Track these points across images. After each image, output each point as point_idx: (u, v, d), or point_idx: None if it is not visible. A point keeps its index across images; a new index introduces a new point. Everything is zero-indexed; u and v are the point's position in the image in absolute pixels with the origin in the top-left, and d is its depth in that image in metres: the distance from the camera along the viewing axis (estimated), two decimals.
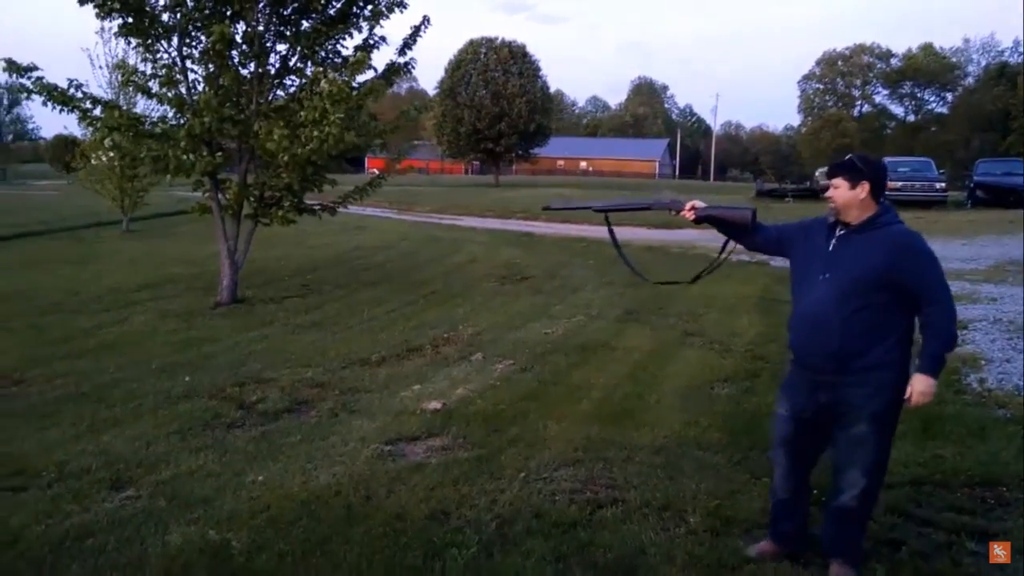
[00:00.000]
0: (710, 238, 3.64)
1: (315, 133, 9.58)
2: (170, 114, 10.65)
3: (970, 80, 64.96)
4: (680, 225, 3.46)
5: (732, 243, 3.58)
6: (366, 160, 52.97)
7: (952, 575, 3.25)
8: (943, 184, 25.77)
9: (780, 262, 14.09)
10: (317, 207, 11.34)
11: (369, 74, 10.70)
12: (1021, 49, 60.58)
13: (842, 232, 3.21)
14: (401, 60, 11.10)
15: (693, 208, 3.53)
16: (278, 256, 14.94)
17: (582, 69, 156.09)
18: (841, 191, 3.17)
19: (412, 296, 11.19)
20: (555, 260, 14.10)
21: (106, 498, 4.18)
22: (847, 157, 3.29)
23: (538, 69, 50.15)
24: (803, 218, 3.55)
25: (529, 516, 3.81)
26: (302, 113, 9.74)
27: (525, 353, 7.46)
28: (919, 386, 3.08)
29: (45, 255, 17.28)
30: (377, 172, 12.50)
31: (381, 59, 11.04)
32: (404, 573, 3.28)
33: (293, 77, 10.90)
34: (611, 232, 4.00)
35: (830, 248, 3.21)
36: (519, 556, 3.39)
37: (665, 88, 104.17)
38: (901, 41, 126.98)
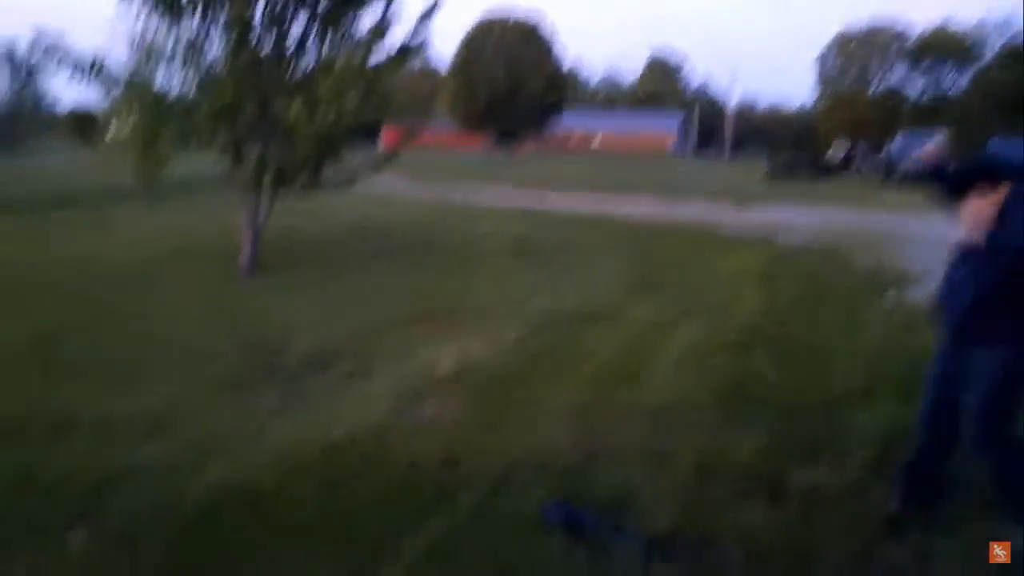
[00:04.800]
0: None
1: (332, 110, 9.89)
2: (192, 89, 10.98)
3: (987, 58, 63.99)
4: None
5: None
6: (381, 131, 53.08)
7: None
8: None
9: (784, 238, 14.15)
10: (335, 180, 11.68)
11: (384, 52, 10.99)
12: None
13: None
14: (416, 40, 11.36)
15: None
16: (297, 226, 15.27)
17: (597, 43, 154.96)
18: None
19: (428, 266, 11.53)
20: (568, 235, 14.37)
21: (143, 444, 4.57)
22: None
23: (552, 44, 50.06)
24: None
25: (532, 464, 4.16)
26: (319, 91, 10.04)
27: (534, 322, 7.79)
28: None
29: (73, 225, 17.70)
30: (391, 148, 12.80)
31: (396, 37, 11.30)
32: (416, 510, 3.63)
33: (311, 54, 11.19)
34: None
35: None
36: (521, 497, 3.75)
37: (679, 68, 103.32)
38: (919, 17, 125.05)
